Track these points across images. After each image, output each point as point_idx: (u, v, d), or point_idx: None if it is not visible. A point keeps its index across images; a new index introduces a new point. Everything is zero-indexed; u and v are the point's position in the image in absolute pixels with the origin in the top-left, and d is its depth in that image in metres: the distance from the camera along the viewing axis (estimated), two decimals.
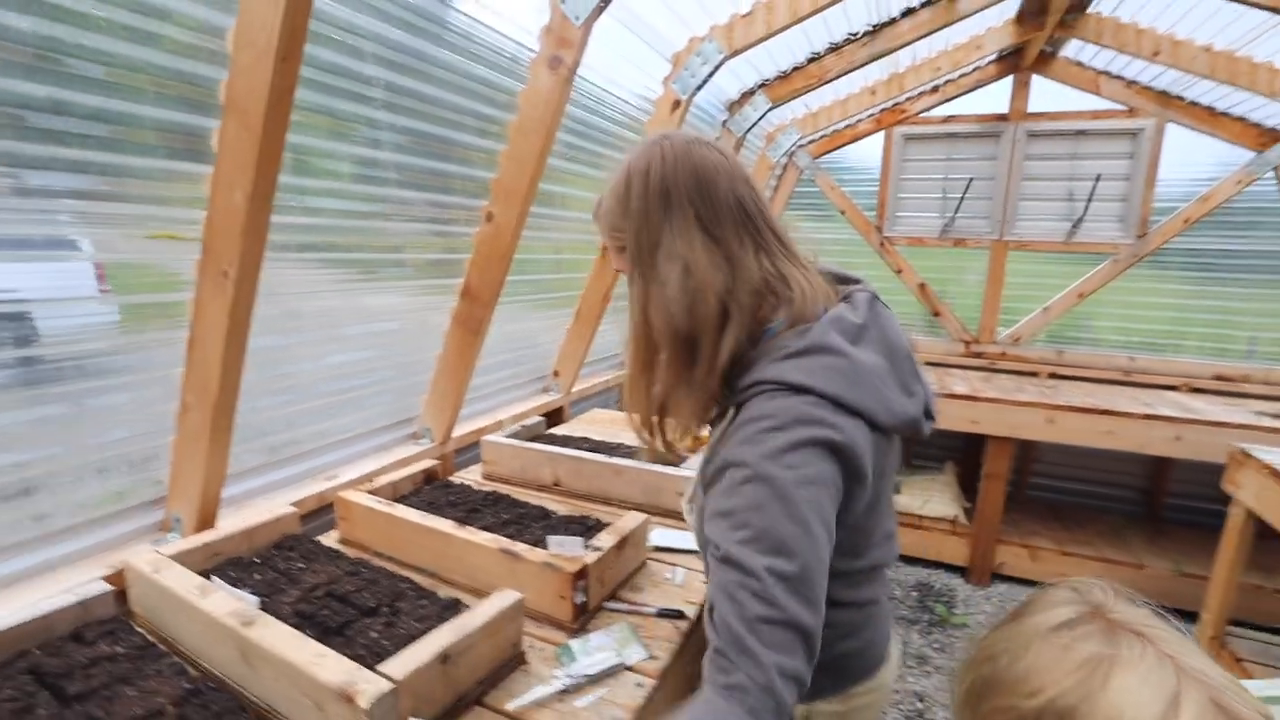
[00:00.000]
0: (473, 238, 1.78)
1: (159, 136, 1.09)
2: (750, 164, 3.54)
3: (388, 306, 1.74)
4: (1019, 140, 3.60)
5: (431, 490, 1.59)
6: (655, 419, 0.85)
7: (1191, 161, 3.42)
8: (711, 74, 2.19)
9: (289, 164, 1.23)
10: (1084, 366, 3.70)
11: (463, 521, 1.37)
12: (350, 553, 1.34)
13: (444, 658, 0.88)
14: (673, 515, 1.64)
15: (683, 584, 1.33)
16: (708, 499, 0.77)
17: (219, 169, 1.09)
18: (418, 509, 1.45)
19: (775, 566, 0.66)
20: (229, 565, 1.19)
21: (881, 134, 3.87)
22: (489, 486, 1.71)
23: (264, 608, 1.00)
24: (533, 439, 1.95)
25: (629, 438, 2.30)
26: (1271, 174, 3.28)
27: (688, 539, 1.51)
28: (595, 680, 1.02)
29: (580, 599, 1.14)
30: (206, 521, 1.28)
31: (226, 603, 0.96)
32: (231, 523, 1.27)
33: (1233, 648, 2.38)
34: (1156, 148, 3.41)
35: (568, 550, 1.17)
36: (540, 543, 1.27)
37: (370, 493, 1.47)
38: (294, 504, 1.45)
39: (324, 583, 1.12)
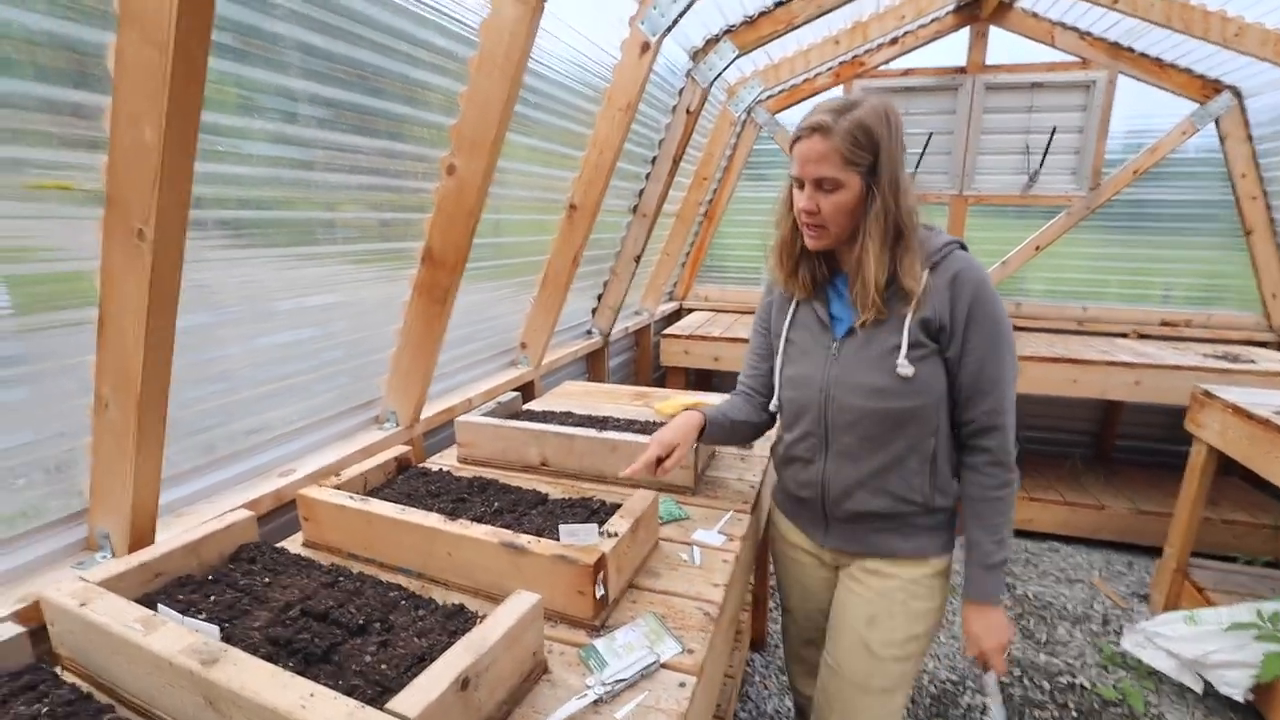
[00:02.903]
0: (433, 194, 1.57)
1: (29, 52, 0.86)
2: (711, 117, 3.39)
3: (331, 276, 1.52)
4: (977, 93, 3.58)
5: (407, 480, 1.41)
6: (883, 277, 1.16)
7: (1141, 113, 3.48)
8: (684, 12, 2.01)
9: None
10: (1041, 317, 3.78)
11: (451, 514, 1.21)
12: (321, 559, 1.17)
13: (464, 682, 0.74)
14: (676, 490, 1.52)
15: (702, 565, 1.22)
16: (966, 345, 1.15)
17: (118, 98, 0.86)
18: (395, 502, 1.28)
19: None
20: (176, 588, 0.99)
21: (840, 89, 3.78)
22: (470, 471, 1.54)
23: (227, 638, 0.82)
24: (511, 416, 1.79)
25: (612, 409, 2.17)
26: (1213, 125, 3.37)
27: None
28: (631, 684, 0.89)
29: (601, 591, 1.01)
30: (142, 536, 1.08)
31: (179, 637, 0.78)
32: (173, 535, 1.07)
33: (1195, 579, 2.49)
34: (1109, 100, 3.45)
35: (581, 539, 1.04)
36: (544, 532, 1.13)
37: (338, 487, 1.28)
38: (247, 505, 1.26)
39: (298, 599, 0.95)
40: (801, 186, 1.15)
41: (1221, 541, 2.93)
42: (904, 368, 1.14)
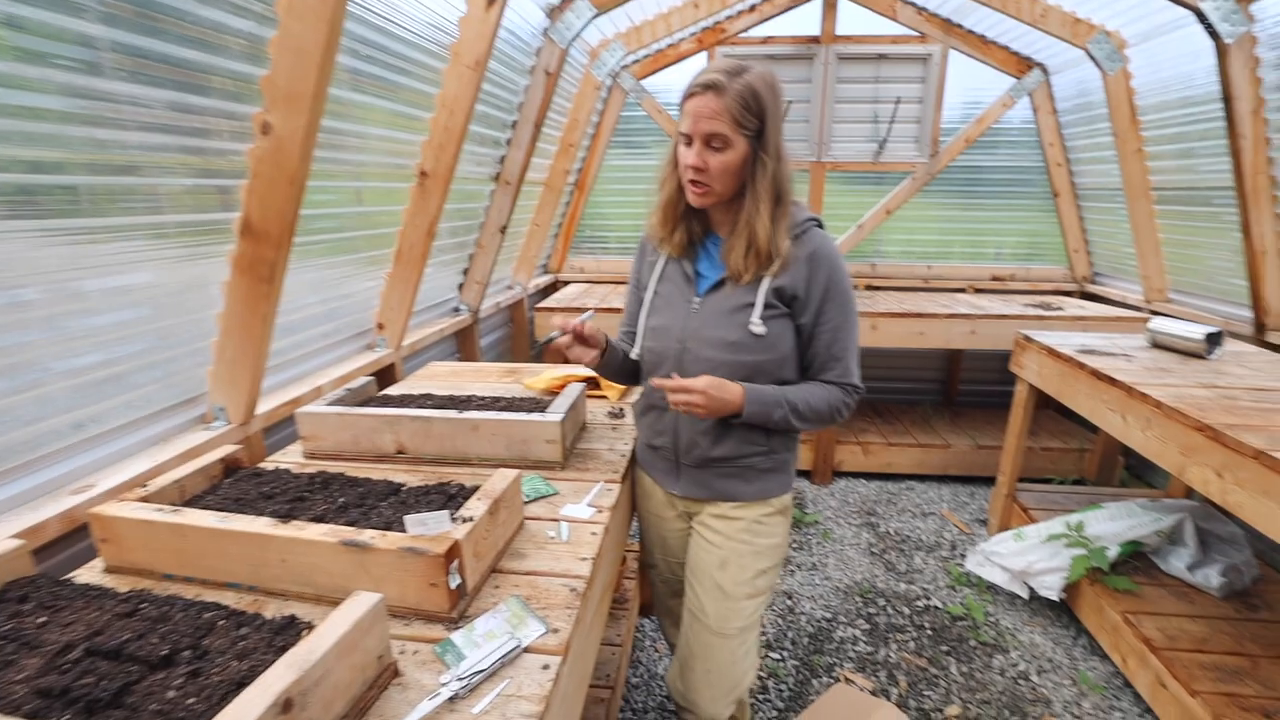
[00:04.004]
0: (246, 156, 1.38)
1: None
2: (574, 81, 3.28)
3: (129, 253, 1.30)
4: (830, 63, 3.73)
5: (236, 483, 1.25)
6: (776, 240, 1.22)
7: (971, 86, 3.80)
8: None
9: None
10: (893, 276, 4.08)
11: (285, 516, 1.08)
12: (123, 585, 1.00)
13: (286, 704, 0.65)
14: (544, 466, 1.47)
15: (570, 540, 1.18)
16: (821, 317, 1.26)
17: None
18: (220, 509, 1.12)
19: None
20: None
21: (704, 55, 3.80)
22: (315, 467, 1.40)
23: None
24: (364, 403, 1.64)
25: (479, 388, 2.07)
26: (1027, 99, 3.75)
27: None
28: (491, 673, 0.84)
29: (456, 581, 0.94)
30: None
31: None
32: None
33: (1021, 501, 2.82)
34: (943, 72, 3.73)
35: (431, 528, 0.96)
36: (393, 525, 1.04)
37: (145, 500, 1.10)
38: (20, 535, 1.05)
39: (82, 636, 0.80)
40: (690, 143, 1.18)
41: (1040, 467, 3.35)
42: (757, 325, 1.23)
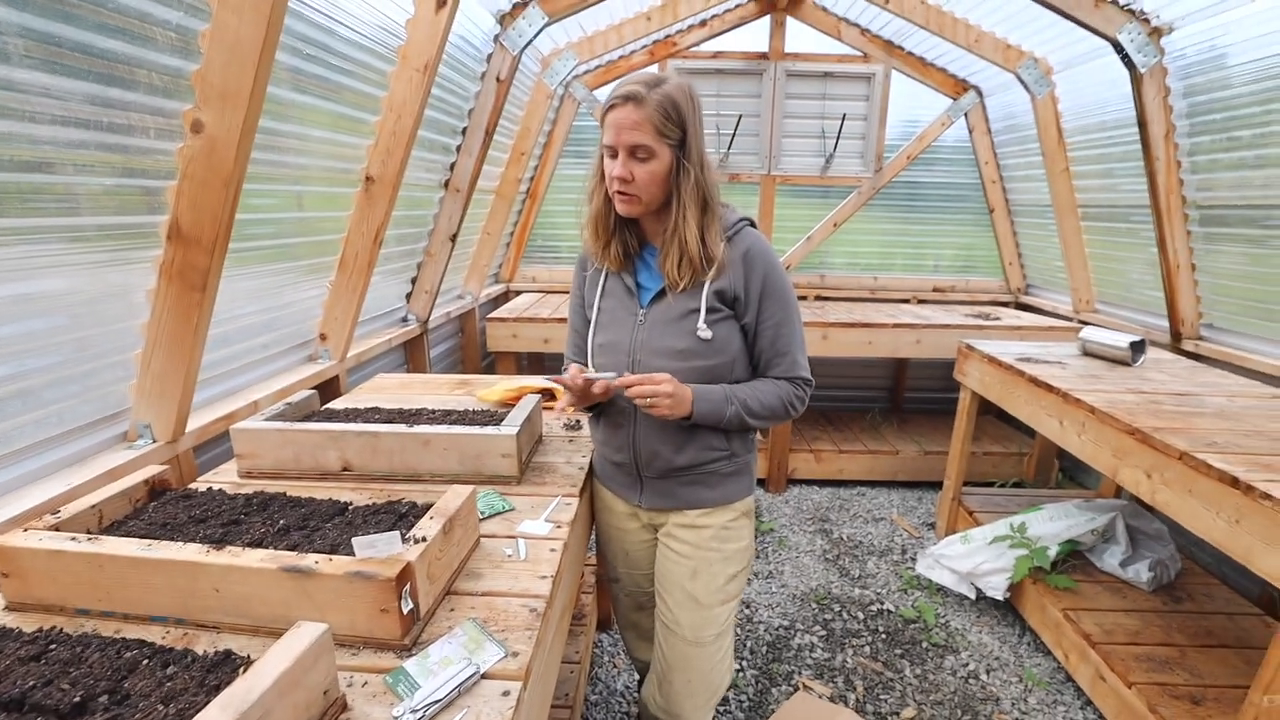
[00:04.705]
0: (176, 156, 1.29)
1: None
2: (526, 89, 3.25)
3: (35, 256, 1.19)
4: (779, 79, 3.82)
5: (162, 506, 1.15)
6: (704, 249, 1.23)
7: (911, 105, 3.95)
8: None
9: None
10: (841, 287, 4.19)
11: (219, 541, 1.00)
12: (29, 625, 0.90)
13: None
14: (500, 481, 1.42)
15: (528, 558, 1.14)
16: (762, 314, 1.27)
17: None
18: (143, 536, 1.03)
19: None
20: None
21: (655, 68, 3.83)
22: (252, 487, 1.31)
23: None
24: (306, 418, 1.55)
25: (429, 400, 1.99)
26: (964, 119, 3.93)
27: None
28: (448, 703, 0.79)
29: (409, 606, 0.89)
30: None
31: None
32: None
33: (966, 504, 2.92)
34: (886, 91, 3.87)
35: (381, 550, 0.90)
36: (339, 548, 0.98)
37: (55, 528, 1.00)
38: None
39: None
40: (614, 155, 1.19)
41: (983, 470, 3.48)
42: (703, 330, 1.24)
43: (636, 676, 2.19)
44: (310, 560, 0.88)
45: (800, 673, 2.22)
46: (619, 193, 1.20)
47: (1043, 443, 3.44)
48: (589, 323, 1.37)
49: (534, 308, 3.54)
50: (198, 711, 0.63)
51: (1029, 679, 2.19)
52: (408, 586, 0.88)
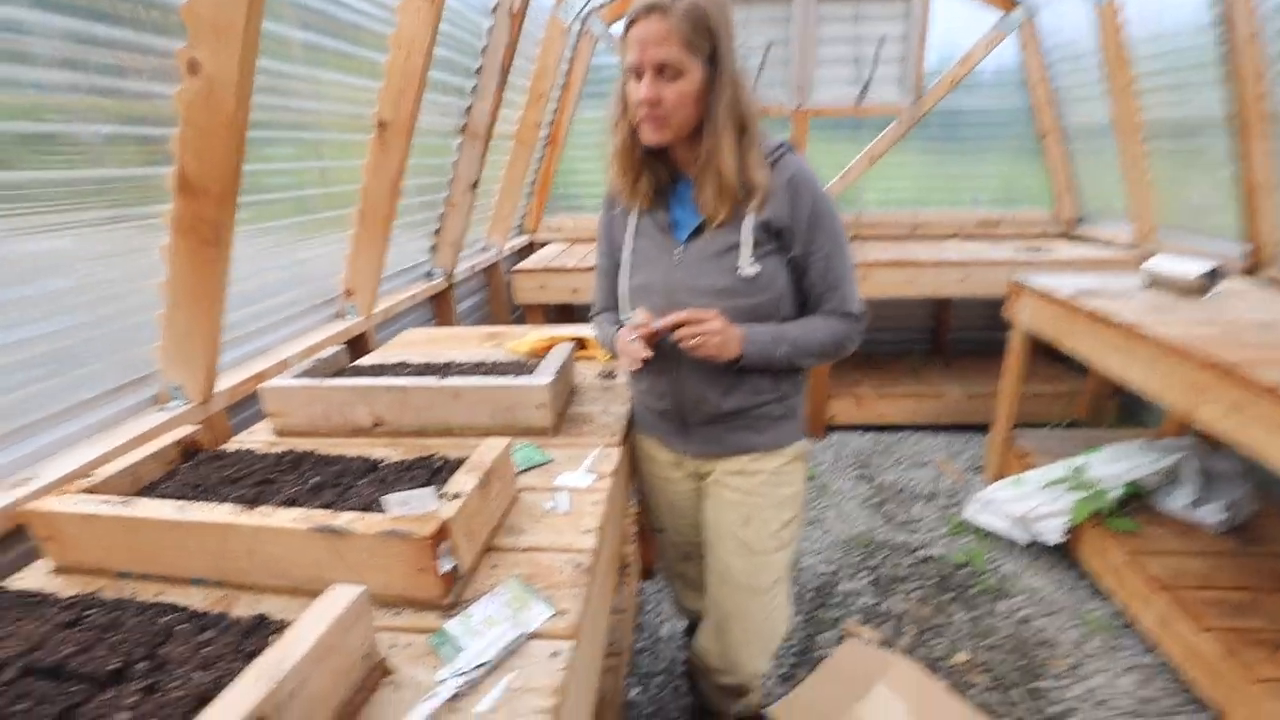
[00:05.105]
0: (175, 100, 1.21)
1: None
2: (541, 25, 3.08)
3: (38, 213, 1.14)
4: (809, 1, 3.55)
5: (195, 468, 1.12)
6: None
7: (955, 25, 3.64)
8: None
9: None
10: (878, 225, 3.99)
11: (251, 501, 0.96)
12: (72, 587, 0.89)
13: None
14: (535, 434, 1.36)
15: (570, 511, 1.08)
16: (812, 245, 1.16)
17: None
18: (178, 497, 1.00)
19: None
20: None
21: None
22: (284, 445, 1.28)
23: None
24: (335, 374, 1.51)
25: (457, 354, 1.94)
26: (1013, 36, 3.61)
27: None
28: (495, 666, 0.75)
29: (449, 565, 0.84)
30: None
31: None
32: None
33: (1018, 446, 2.80)
34: (925, 10, 3.57)
35: (415, 507, 0.85)
36: (373, 506, 0.93)
37: (91, 490, 0.98)
38: None
39: (16, 654, 0.69)
40: (639, 76, 1.07)
41: (1032, 411, 3.33)
42: (746, 267, 1.13)
43: (682, 624, 2.18)
44: (342, 520, 0.84)
45: (847, 618, 2.19)
46: (646, 118, 1.09)
47: (1097, 381, 3.27)
48: (620, 266, 1.28)
49: (560, 258, 3.45)
50: (234, 679, 0.60)
51: (1088, 623, 2.11)
52: (446, 544, 0.83)
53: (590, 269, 3.22)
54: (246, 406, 1.70)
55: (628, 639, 1.92)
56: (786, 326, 1.17)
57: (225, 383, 1.57)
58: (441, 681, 0.72)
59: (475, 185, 2.64)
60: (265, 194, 1.64)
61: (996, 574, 2.38)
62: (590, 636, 0.91)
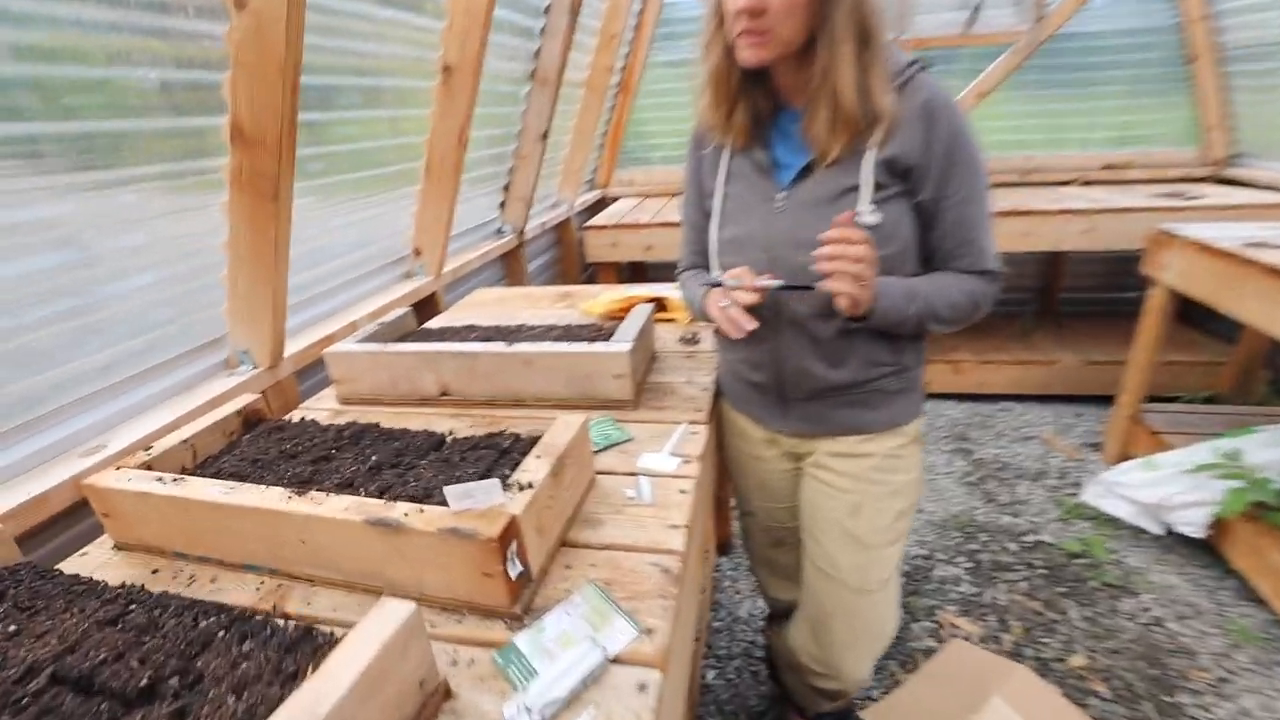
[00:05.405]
0: (225, 40, 1.11)
1: None
2: None
3: (103, 173, 1.07)
4: None
5: (254, 440, 1.06)
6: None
7: None
8: None
9: None
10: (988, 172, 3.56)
11: (306, 481, 0.88)
12: (129, 568, 0.84)
13: None
14: (613, 406, 1.23)
15: (654, 501, 0.95)
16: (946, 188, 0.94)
17: None
18: (236, 472, 0.94)
19: None
20: None
21: None
22: (348, 416, 1.20)
23: None
24: (401, 338, 1.43)
25: (529, 316, 1.84)
26: None
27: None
28: (572, 699, 0.63)
29: (517, 570, 0.72)
30: None
31: None
32: None
33: (1148, 423, 2.46)
34: None
35: (479, 500, 0.73)
36: (434, 492, 0.82)
37: (146, 466, 0.92)
38: (11, 512, 0.90)
39: (50, 656, 0.62)
40: None
41: (1162, 382, 2.92)
42: (867, 214, 0.93)
43: (763, 604, 2.05)
44: (398, 512, 0.73)
45: (943, 608, 2.00)
46: (745, 32, 0.89)
47: (1246, 350, 2.83)
48: (710, 215, 1.10)
49: (633, 213, 3.27)
50: (270, 711, 0.50)
51: (1236, 632, 1.83)
52: (514, 546, 0.72)
53: (665, 224, 3.05)
54: (316, 371, 1.65)
55: (705, 618, 1.81)
56: (915, 281, 0.97)
57: (293, 347, 1.52)
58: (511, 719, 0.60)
59: (545, 136, 2.48)
60: (328, 146, 1.55)
61: (1120, 567, 2.11)
62: (679, 660, 0.79)
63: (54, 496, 0.99)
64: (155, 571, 0.87)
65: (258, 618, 0.67)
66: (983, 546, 2.26)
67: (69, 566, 0.90)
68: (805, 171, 0.98)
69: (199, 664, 0.61)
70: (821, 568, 1.18)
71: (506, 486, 0.77)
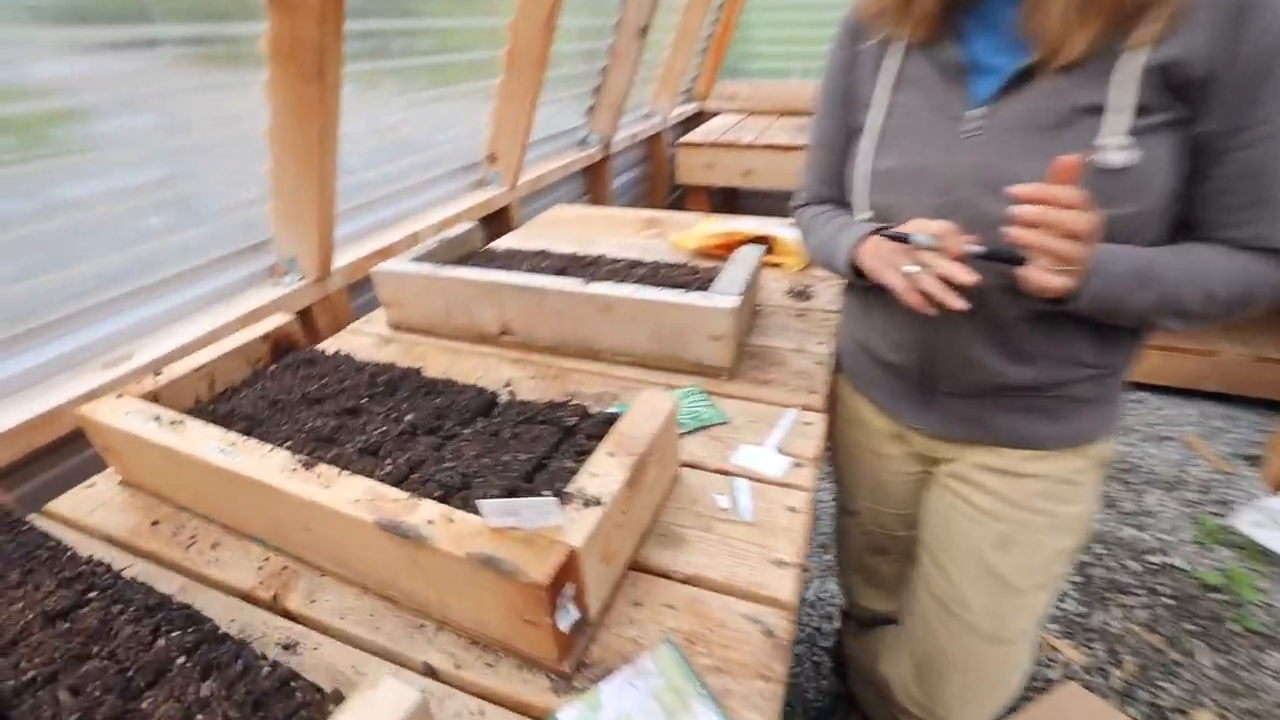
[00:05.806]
0: None
1: None
2: None
3: (118, 30, 0.88)
4: None
5: (280, 373, 0.89)
6: None
7: None
8: None
9: None
10: None
11: (324, 439, 0.71)
12: (126, 517, 0.70)
13: None
14: (704, 373, 1.00)
15: (754, 519, 0.73)
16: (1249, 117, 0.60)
17: None
18: (252, 413, 0.78)
19: None
20: None
21: None
22: (397, 345, 1.03)
23: None
24: (463, 259, 1.23)
25: (610, 244, 1.59)
26: None
27: None
28: None
29: (571, 619, 0.53)
30: None
31: None
32: None
33: None
34: None
35: (527, 520, 0.53)
36: (475, 478, 0.63)
37: (152, 396, 0.78)
38: (24, 426, 0.78)
39: None
40: None
41: None
42: (1116, 151, 0.62)
43: (831, 587, 1.86)
44: (420, 518, 0.54)
45: (1044, 627, 1.74)
46: None
47: None
48: (858, 136, 0.81)
49: (734, 131, 2.89)
50: None
51: None
52: (571, 588, 0.52)
53: (770, 147, 2.68)
54: (370, 286, 1.49)
55: None
56: (1155, 256, 0.65)
57: (348, 256, 1.36)
58: None
59: (644, 32, 2.14)
60: (387, 20, 1.31)
61: (1270, 613, 1.77)
62: None
63: (58, 417, 0.88)
64: (155, 524, 0.74)
65: (231, 642, 0.50)
66: (1096, 560, 1.96)
67: (67, 501, 0.78)
68: (1020, 79, 0.66)
69: (143, 706, 0.45)
70: (945, 603, 0.94)
71: (565, 499, 0.57)
